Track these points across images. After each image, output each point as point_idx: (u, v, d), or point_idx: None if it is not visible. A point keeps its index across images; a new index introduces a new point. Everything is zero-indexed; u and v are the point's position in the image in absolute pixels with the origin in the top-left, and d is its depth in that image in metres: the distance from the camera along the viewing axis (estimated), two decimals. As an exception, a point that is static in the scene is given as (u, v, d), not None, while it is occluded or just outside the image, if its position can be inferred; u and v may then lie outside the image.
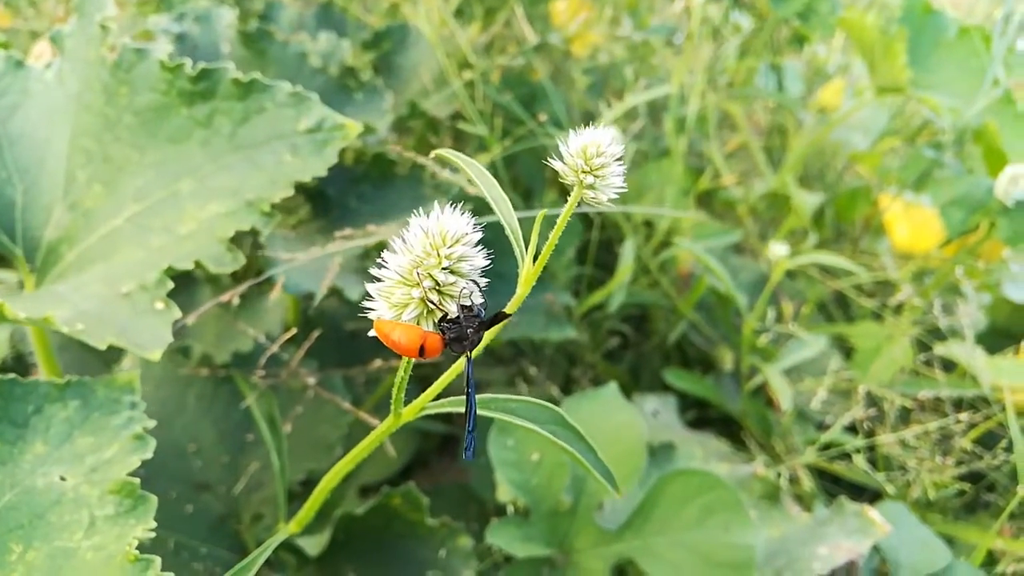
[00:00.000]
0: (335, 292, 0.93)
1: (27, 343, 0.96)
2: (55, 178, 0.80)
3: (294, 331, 0.94)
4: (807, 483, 1.10)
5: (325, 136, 0.78)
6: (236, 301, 0.87)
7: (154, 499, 0.54)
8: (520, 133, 1.29)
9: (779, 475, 1.07)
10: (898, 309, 1.29)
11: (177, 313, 0.67)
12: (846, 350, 1.35)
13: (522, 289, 0.46)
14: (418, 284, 0.40)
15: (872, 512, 0.92)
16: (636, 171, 1.41)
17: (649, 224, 1.41)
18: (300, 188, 0.76)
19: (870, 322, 1.30)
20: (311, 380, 0.97)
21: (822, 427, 1.23)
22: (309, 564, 0.86)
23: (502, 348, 1.29)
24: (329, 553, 0.85)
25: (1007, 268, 1.30)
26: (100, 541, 0.52)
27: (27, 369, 0.96)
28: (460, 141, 1.40)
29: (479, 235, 0.41)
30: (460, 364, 0.48)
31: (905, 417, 1.16)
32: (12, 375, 0.61)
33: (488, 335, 0.45)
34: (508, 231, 0.45)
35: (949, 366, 1.20)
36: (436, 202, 0.98)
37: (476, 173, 0.48)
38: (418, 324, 0.41)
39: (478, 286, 0.42)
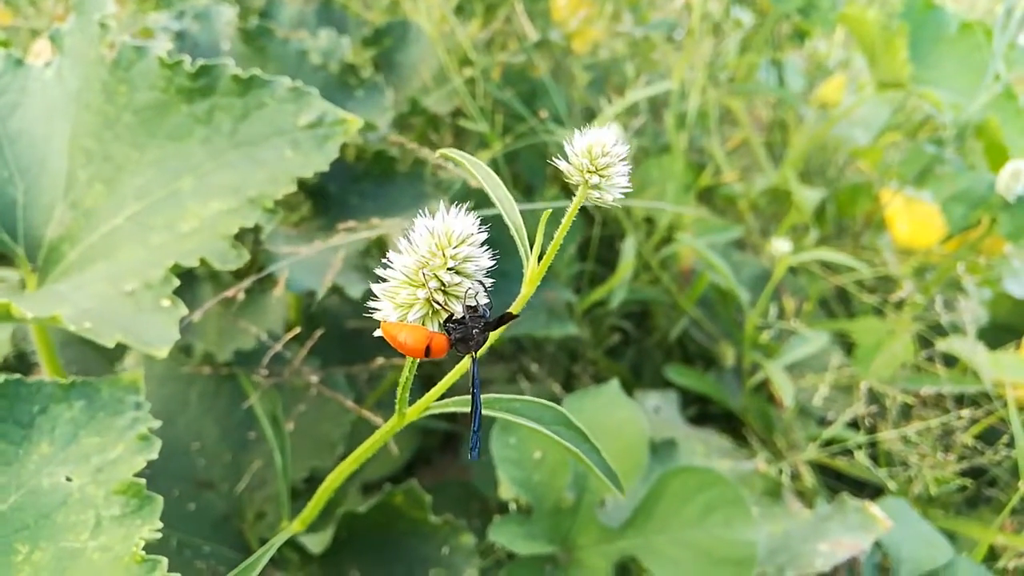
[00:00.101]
0: (337, 290, 0.93)
1: (29, 341, 0.96)
2: (56, 177, 0.80)
3: (298, 330, 0.94)
4: (809, 479, 1.10)
5: (326, 131, 0.78)
6: (240, 297, 0.86)
7: (160, 499, 0.54)
8: (521, 130, 1.28)
9: (781, 471, 1.07)
10: (899, 305, 1.29)
11: (184, 310, 0.67)
12: (847, 346, 1.35)
13: (527, 289, 0.46)
14: (423, 284, 0.40)
15: (874, 508, 0.92)
16: (637, 167, 1.40)
17: (650, 220, 1.41)
18: (301, 185, 0.76)
19: (872, 318, 1.30)
20: (314, 378, 0.97)
21: (824, 423, 1.23)
22: (312, 562, 0.86)
23: (503, 345, 1.29)
24: (332, 551, 0.85)
25: (1008, 264, 1.30)
26: (106, 541, 0.52)
27: (29, 367, 0.96)
28: (461, 138, 1.40)
29: (484, 235, 0.41)
30: (464, 364, 0.48)
31: (907, 413, 1.16)
32: (17, 375, 0.61)
33: (493, 335, 0.45)
34: (514, 232, 0.45)
35: (951, 362, 1.20)
36: (437, 199, 0.97)
37: (482, 174, 0.48)
38: (423, 324, 0.41)
39: (484, 286, 0.42)
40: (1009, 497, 1.01)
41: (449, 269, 0.40)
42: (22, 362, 0.98)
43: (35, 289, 0.78)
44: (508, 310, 0.45)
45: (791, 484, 1.08)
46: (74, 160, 0.79)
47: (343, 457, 0.97)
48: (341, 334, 1.13)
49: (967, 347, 1.12)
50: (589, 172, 0.42)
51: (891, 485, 1.06)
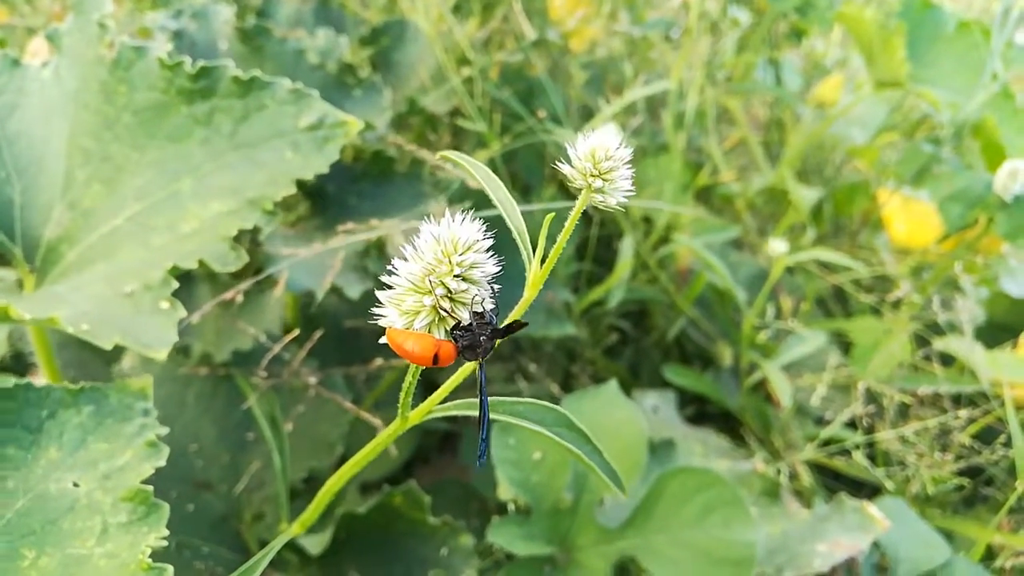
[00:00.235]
0: (335, 290, 0.93)
1: (26, 342, 0.96)
2: (54, 177, 0.80)
3: (296, 332, 0.93)
4: (807, 479, 1.11)
5: (326, 133, 0.77)
6: (239, 298, 0.86)
7: (166, 507, 0.54)
8: (519, 129, 1.28)
9: (779, 471, 1.07)
10: (897, 304, 1.29)
11: (182, 312, 0.67)
12: (845, 346, 1.35)
13: (530, 292, 0.45)
14: (430, 291, 0.40)
15: (871, 508, 0.92)
16: (635, 167, 1.40)
17: (648, 220, 1.41)
18: (299, 185, 0.75)
19: (869, 317, 1.30)
20: (312, 379, 0.97)
21: (821, 423, 1.23)
22: (311, 563, 0.86)
23: (501, 344, 1.29)
24: (331, 552, 0.85)
25: (1005, 263, 1.30)
26: (113, 548, 0.51)
27: (26, 368, 0.96)
28: (459, 137, 1.39)
29: (490, 242, 0.40)
30: (467, 369, 0.48)
31: (904, 412, 1.16)
32: (27, 380, 0.61)
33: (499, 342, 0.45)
34: (516, 236, 0.45)
35: (948, 361, 1.20)
36: (436, 199, 0.96)
37: (482, 176, 0.48)
38: (430, 332, 0.41)
39: (490, 293, 0.41)
40: (1006, 496, 1.01)
41: (456, 276, 0.40)
42: (19, 362, 0.98)
43: (33, 290, 0.77)
44: (511, 314, 0.45)
45: (789, 484, 1.08)
46: (72, 160, 0.79)
47: (342, 458, 0.98)
48: (339, 334, 1.13)
49: (964, 346, 1.13)
50: (592, 176, 0.42)
51: (889, 485, 1.06)
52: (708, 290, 1.37)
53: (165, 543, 0.52)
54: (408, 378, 0.48)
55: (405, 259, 0.41)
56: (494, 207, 0.48)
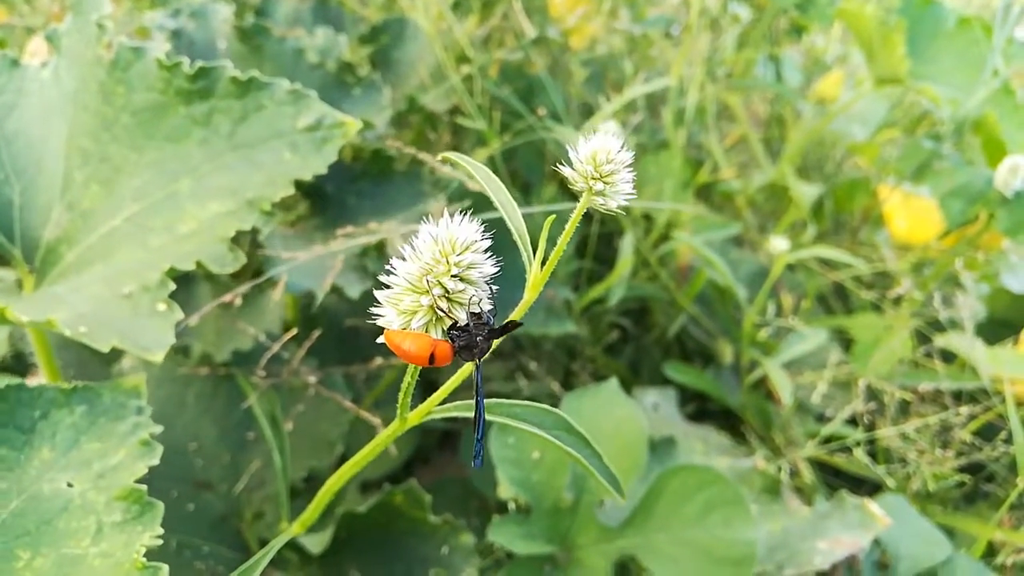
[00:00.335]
0: (335, 289, 0.92)
1: (27, 342, 0.96)
2: (53, 178, 0.80)
3: (295, 331, 0.93)
4: (807, 476, 1.11)
5: (325, 134, 0.77)
6: (238, 301, 0.86)
7: (161, 505, 0.54)
8: (519, 127, 1.28)
9: (779, 468, 1.07)
10: (897, 301, 1.29)
11: (179, 314, 0.67)
12: (846, 343, 1.35)
13: (530, 294, 0.45)
14: (427, 291, 0.40)
15: (872, 505, 0.92)
16: (635, 164, 1.40)
17: (648, 217, 1.41)
18: (298, 186, 0.75)
19: (870, 314, 1.30)
20: (312, 378, 0.97)
21: (822, 420, 1.23)
22: (312, 562, 0.86)
23: (501, 342, 1.29)
24: (331, 551, 0.85)
25: (1006, 259, 1.30)
26: (107, 548, 0.51)
27: (27, 368, 0.96)
28: (458, 136, 1.39)
29: (488, 242, 0.40)
30: (466, 370, 0.48)
31: (905, 409, 1.16)
32: (19, 380, 0.61)
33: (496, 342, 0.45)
34: (516, 238, 0.45)
35: (949, 358, 1.20)
36: (435, 198, 0.96)
37: (483, 177, 0.47)
38: (427, 331, 0.41)
39: (488, 293, 0.41)
40: (1007, 493, 1.01)
41: (453, 276, 0.40)
42: (19, 363, 0.98)
43: (32, 291, 0.77)
44: (511, 315, 0.45)
45: (790, 481, 1.08)
46: (71, 161, 0.79)
47: (342, 457, 0.98)
48: (339, 334, 1.13)
49: (965, 343, 1.13)
50: (593, 179, 0.42)
51: (890, 482, 1.06)
52: (709, 287, 1.37)
53: (160, 541, 0.52)
54: (407, 378, 0.48)
55: (403, 259, 0.41)
56: (494, 206, 0.47)
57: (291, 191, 0.74)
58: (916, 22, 1.32)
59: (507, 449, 0.92)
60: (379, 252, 0.98)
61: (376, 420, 0.91)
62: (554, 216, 0.44)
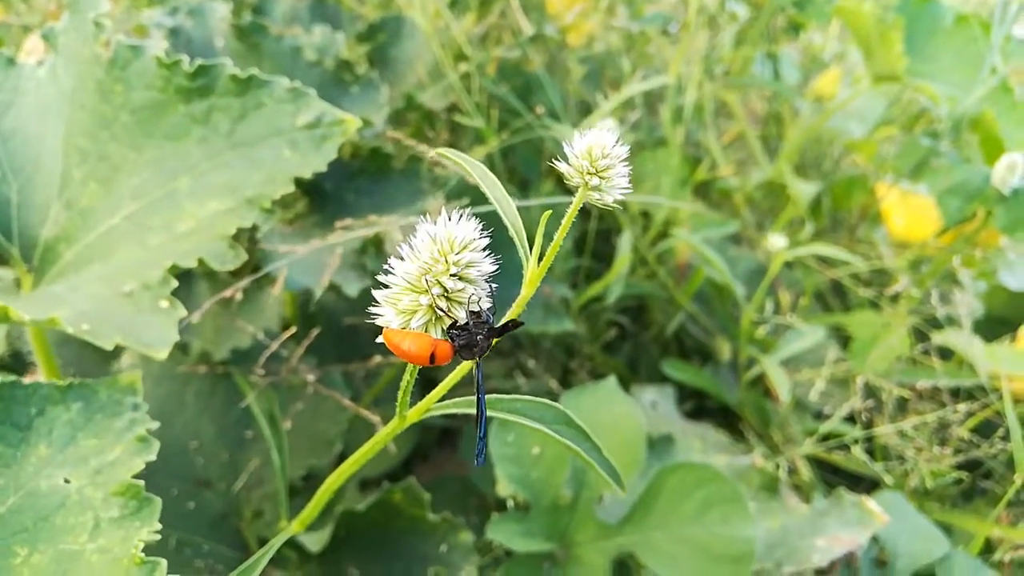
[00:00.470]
0: (333, 287, 0.92)
1: (25, 340, 0.96)
2: (50, 176, 0.80)
3: (294, 329, 0.93)
4: (805, 473, 1.11)
5: (324, 131, 0.77)
6: (238, 296, 0.86)
7: (158, 501, 0.54)
8: (517, 125, 1.28)
9: (778, 466, 1.08)
10: (895, 298, 1.29)
11: (182, 311, 0.67)
12: (844, 340, 1.35)
13: (527, 290, 0.45)
14: (426, 291, 0.40)
15: (870, 502, 0.92)
16: (633, 161, 1.40)
17: (646, 215, 1.41)
18: (297, 184, 0.75)
19: (867, 312, 1.30)
20: (310, 376, 0.97)
21: (820, 417, 1.23)
22: (311, 560, 0.86)
23: (500, 341, 1.29)
24: (330, 549, 0.85)
25: (1004, 256, 1.31)
26: (105, 543, 0.52)
27: (25, 367, 0.96)
28: (456, 133, 1.39)
29: (487, 240, 0.40)
30: (465, 367, 0.48)
31: (903, 407, 1.16)
32: (14, 377, 0.61)
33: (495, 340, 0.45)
34: (513, 234, 0.45)
35: (946, 355, 1.20)
36: (433, 196, 0.96)
37: (479, 174, 0.48)
38: (426, 331, 0.41)
39: (487, 292, 0.41)
40: (1005, 490, 1.01)
41: (452, 275, 0.40)
42: (18, 361, 0.98)
43: (31, 290, 0.77)
44: (509, 312, 0.45)
45: (788, 479, 1.08)
46: (68, 159, 0.79)
47: (341, 455, 0.98)
48: (337, 332, 1.13)
49: (963, 340, 1.13)
50: (589, 174, 0.42)
51: (887, 479, 1.06)
52: (707, 285, 1.37)
53: (158, 537, 0.52)
54: (406, 377, 0.48)
55: (401, 258, 0.41)
56: (491, 203, 0.47)
57: (291, 189, 0.74)
58: (914, 19, 1.32)
59: (506, 447, 0.92)
60: (377, 249, 0.98)
61: (375, 418, 0.91)
62: (550, 212, 0.44)
